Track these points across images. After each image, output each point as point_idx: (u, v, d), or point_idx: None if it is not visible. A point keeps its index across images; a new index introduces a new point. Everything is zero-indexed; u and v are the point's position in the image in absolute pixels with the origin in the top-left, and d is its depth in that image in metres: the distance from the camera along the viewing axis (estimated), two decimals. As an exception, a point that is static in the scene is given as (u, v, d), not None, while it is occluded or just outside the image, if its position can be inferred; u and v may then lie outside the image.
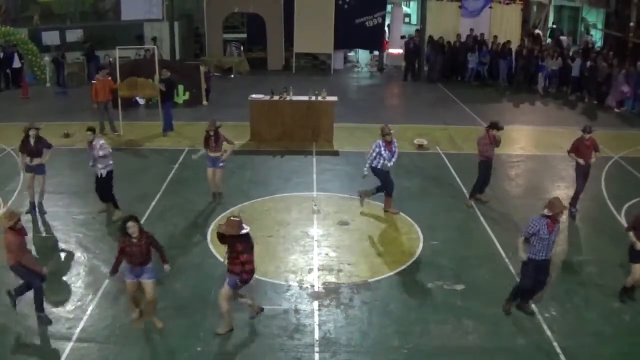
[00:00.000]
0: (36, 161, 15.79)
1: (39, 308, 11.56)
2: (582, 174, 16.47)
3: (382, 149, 15.88)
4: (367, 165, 16.14)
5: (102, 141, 15.56)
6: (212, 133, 16.33)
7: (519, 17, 35.24)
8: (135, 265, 10.94)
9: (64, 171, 18.72)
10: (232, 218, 10.81)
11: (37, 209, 16.14)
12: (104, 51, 29.85)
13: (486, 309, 12.16)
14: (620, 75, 27.26)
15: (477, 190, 16.95)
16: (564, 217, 16.24)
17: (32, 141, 15.69)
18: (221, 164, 16.61)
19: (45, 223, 15.73)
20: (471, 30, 33.42)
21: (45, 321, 11.53)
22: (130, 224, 10.81)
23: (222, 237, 10.83)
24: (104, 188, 15.87)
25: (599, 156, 16.74)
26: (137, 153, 20.83)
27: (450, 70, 33.51)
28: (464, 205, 16.92)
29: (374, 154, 15.98)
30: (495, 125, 16.43)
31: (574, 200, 16.62)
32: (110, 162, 15.64)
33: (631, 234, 12.24)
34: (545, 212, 11.27)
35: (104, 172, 15.58)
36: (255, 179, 18.68)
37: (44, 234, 15.20)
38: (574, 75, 29.65)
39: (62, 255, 14.20)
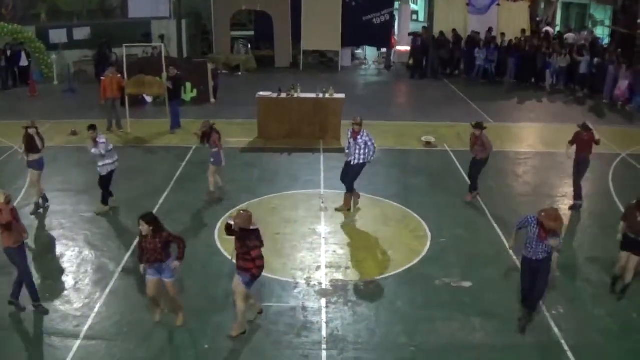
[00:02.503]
0: (32, 157, 15.98)
1: (34, 297, 11.79)
2: (575, 167, 16.72)
3: (348, 135, 16.05)
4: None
5: (103, 138, 15.70)
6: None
7: (526, 14, 35.19)
8: (151, 262, 10.90)
9: (71, 169, 18.79)
10: (242, 212, 10.73)
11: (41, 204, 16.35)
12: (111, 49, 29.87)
13: (493, 306, 12.15)
14: (622, 71, 27.24)
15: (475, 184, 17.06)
16: (567, 214, 16.34)
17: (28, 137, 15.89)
18: (211, 159, 16.86)
19: (52, 221, 15.77)
20: (476, 33, 33.43)
21: (42, 310, 11.71)
22: (140, 222, 10.76)
23: (230, 231, 10.70)
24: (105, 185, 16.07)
25: (599, 140, 16.62)
26: (144, 150, 20.87)
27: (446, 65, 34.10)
28: (472, 202, 16.91)
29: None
30: (478, 125, 16.55)
31: (575, 194, 16.76)
32: (108, 161, 15.70)
33: (622, 223, 12.57)
34: (538, 214, 11.11)
35: (103, 171, 15.75)
36: (263, 176, 18.68)
37: (51, 232, 15.23)
38: (581, 73, 29.64)
39: (70, 253, 14.20)
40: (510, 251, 14.12)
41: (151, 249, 10.77)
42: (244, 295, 10.93)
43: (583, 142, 16.35)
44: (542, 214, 10.98)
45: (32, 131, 15.82)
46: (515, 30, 33.35)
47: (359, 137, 15.84)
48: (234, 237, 10.75)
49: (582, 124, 16.50)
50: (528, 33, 34.13)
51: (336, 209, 16.32)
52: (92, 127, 15.52)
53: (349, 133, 16.02)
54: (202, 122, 16.86)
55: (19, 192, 17.15)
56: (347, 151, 16.20)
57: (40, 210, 16.15)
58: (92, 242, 14.68)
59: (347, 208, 16.34)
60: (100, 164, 15.59)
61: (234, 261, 10.82)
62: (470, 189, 17.06)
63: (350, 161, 16.00)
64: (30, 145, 15.90)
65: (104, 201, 16.16)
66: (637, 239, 12.16)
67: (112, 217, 15.93)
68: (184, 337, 11.14)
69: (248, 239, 10.56)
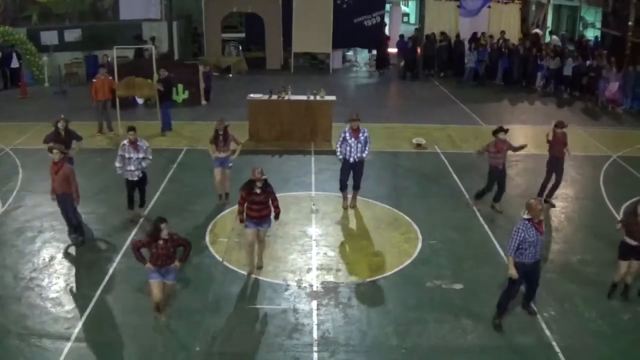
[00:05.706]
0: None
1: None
2: (549, 166, 16.90)
3: (347, 134, 15.93)
4: (338, 151, 16.22)
5: (146, 142, 15.62)
6: (221, 132, 16.23)
7: (517, 17, 35.28)
8: (163, 266, 11.03)
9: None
10: (256, 168, 13.01)
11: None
12: (102, 51, 29.73)
13: (484, 308, 12.14)
14: (612, 74, 27.33)
15: (482, 195, 16.86)
16: (559, 216, 16.38)
17: (62, 133, 15.83)
18: (230, 164, 16.58)
19: (44, 223, 15.66)
20: (458, 35, 33.65)
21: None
22: (163, 225, 10.81)
23: (247, 193, 12.79)
24: (142, 189, 15.86)
25: (570, 152, 16.94)
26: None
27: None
28: (463, 204, 16.93)
29: (340, 141, 16.08)
30: (500, 129, 16.33)
31: (541, 192, 17.00)
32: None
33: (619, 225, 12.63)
34: (526, 215, 11.04)
35: (140, 174, 15.49)
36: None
37: (42, 234, 15.15)
38: (566, 75, 29.76)
39: (61, 255, 14.15)
40: (501, 252, 14.15)
41: (164, 254, 10.95)
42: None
43: (556, 141, 16.68)
44: (526, 213, 11.00)
45: (61, 125, 15.76)
46: (506, 32, 33.37)
47: (360, 134, 15.91)
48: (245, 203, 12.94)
49: (557, 122, 16.78)
50: (518, 36, 34.22)
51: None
52: (132, 129, 15.34)
53: (347, 133, 15.94)
54: (217, 121, 16.50)
55: (9, 194, 17.07)
56: (341, 151, 16.11)
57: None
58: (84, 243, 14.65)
59: (353, 205, 16.58)
60: (143, 165, 15.46)
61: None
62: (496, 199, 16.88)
63: (351, 159, 16.03)
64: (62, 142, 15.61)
65: (140, 205, 16.06)
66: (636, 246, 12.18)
67: (104, 219, 15.87)
68: (175, 340, 11.11)
69: (267, 188, 13.05)
